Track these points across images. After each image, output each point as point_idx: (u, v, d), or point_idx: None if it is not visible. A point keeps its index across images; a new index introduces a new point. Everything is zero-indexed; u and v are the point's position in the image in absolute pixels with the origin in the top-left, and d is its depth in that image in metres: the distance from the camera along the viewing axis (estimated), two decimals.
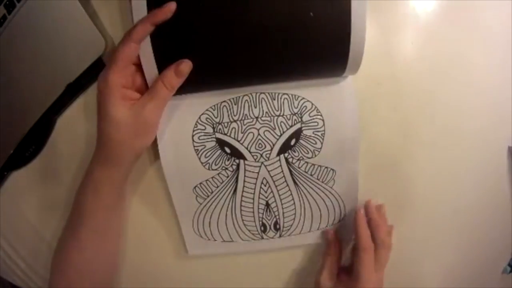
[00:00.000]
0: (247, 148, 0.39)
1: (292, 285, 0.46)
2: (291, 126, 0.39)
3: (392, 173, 0.43)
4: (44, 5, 0.38)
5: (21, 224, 0.45)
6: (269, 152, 0.39)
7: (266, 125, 0.39)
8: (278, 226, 0.42)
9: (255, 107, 0.38)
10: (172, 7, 0.32)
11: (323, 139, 0.39)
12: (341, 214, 0.42)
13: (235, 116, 0.39)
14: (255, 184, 0.40)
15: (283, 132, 0.39)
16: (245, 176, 0.40)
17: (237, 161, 0.39)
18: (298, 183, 0.41)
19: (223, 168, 0.40)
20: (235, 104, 0.38)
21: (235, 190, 0.41)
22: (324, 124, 0.38)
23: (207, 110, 0.39)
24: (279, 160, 0.39)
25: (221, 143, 0.39)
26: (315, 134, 0.39)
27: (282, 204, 0.41)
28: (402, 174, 0.43)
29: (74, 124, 0.42)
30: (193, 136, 0.39)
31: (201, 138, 0.39)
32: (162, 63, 0.34)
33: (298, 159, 0.39)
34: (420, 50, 0.42)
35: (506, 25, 0.42)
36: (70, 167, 0.43)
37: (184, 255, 0.44)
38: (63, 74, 0.40)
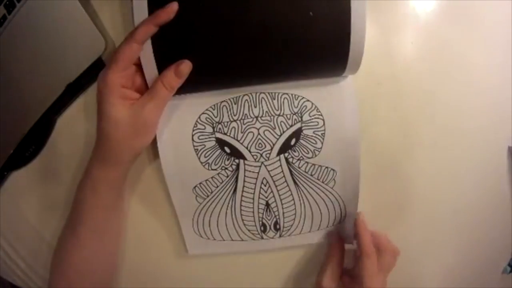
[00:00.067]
0: (247, 148, 0.39)
1: (292, 285, 0.46)
2: (291, 126, 0.39)
3: (392, 173, 0.43)
4: (44, 5, 0.38)
5: (21, 224, 0.45)
6: (269, 152, 0.39)
7: (266, 124, 0.39)
8: (278, 226, 0.42)
9: (255, 107, 0.38)
10: (174, 7, 0.32)
11: (323, 139, 0.39)
12: (341, 215, 0.42)
13: (235, 115, 0.39)
14: (255, 184, 0.40)
15: (283, 132, 0.39)
16: (245, 176, 0.40)
17: (237, 161, 0.39)
18: (298, 183, 0.40)
19: (223, 168, 0.40)
20: (235, 104, 0.39)
21: (235, 190, 0.41)
22: (324, 124, 0.38)
23: (207, 109, 0.39)
24: (279, 160, 0.39)
25: (221, 143, 0.39)
26: (315, 134, 0.39)
27: (282, 204, 0.41)
28: (402, 174, 0.43)
29: (74, 124, 0.42)
30: (192, 135, 0.39)
31: (200, 137, 0.39)
32: (162, 64, 0.34)
33: (298, 159, 0.39)
34: (420, 50, 0.42)
35: (506, 25, 0.42)
36: (70, 167, 0.43)
37: (184, 254, 0.44)
38: (63, 74, 0.40)
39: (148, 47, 0.34)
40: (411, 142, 0.43)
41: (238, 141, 0.39)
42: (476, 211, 0.45)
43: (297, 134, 0.39)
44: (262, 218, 0.42)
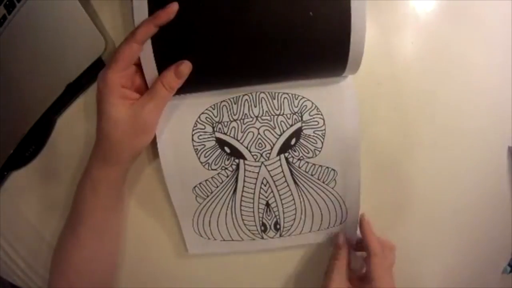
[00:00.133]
0: (247, 148, 0.39)
1: (292, 285, 0.46)
2: (291, 125, 0.39)
3: (392, 173, 0.43)
4: (44, 5, 0.38)
5: (21, 224, 0.45)
6: (269, 151, 0.39)
7: (266, 124, 0.39)
8: (278, 226, 0.42)
9: (255, 107, 0.38)
10: (174, 7, 0.32)
11: (323, 138, 0.39)
12: (342, 216, 0.42)
13: (235, 115, 0.39)
14: (255, 184, 0.40)
15: (283, 132, 0.39)
16: (245, 176, 0.40)
17: (236, 160, 0.39)
18: (299, 183, 0.40)
19: (223, 168, 0.40)
20: (235, 104, 0.38)
21: (235, 190, 0.41)
22: (324, 123, 0.38)
23: (206, 109, 0.39)
24: (279, 159, 0.39)
25: (221, 143, 0.39)
26: (316, 134, 0.39)
27: (282, 204, 0.41)
28: (402, 174, 0.43)
29: (74, 124, 0.42)
30: (192, 135, 0.39)
31: (200, 137, 0.39)
32: (162, 64, 0.34)
33: (298, 159, 0.39)
34: (420, 50, 0.42)
35: (506, 25, 0.42)
36: (70, 167, 0.43)
37: (184, 254, 0.44)
38: (63, 74, 0.40)
39: (148, 47, 0.34)
40: (411, 142, 0.43)
41: (238, 141, 0.39)
42: (476, 211, 0.45)
43: (297, 133, 0.39)
44: (262, 218, 0.42)
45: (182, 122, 0.39)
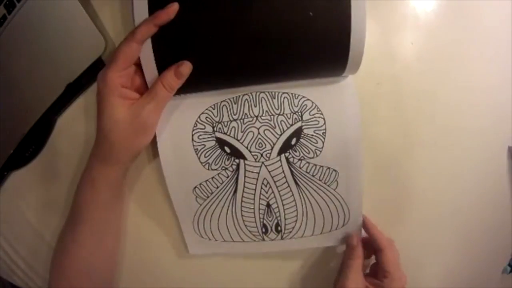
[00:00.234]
0: (247, 148, 0.39)
1: (293, 286, 0.46)
2: (291, 125, 0.38)
3: (392, 173, 0.43)
4: (44, 5, 0.38)
5: (21, 224, 0.45)
6: (269, 151, 0.39)
7: (266, 124, 0.39)
8: (279, 228, 0.42)
9: (255, 106, 0.38)
10: (174, 7, 0.32)
11: (324, 138, 0.39)
12: (345, 218, 0.41)
13: (235, 115, 0.39)
14: (256, 184, 0.40)
15: (284, 131, 0.39)
16: (245, 176, 0.40)
17: (237, 160, 0.39)
18: (300, 184, 0.40)
19: (223, 168, 0.40)
20: (235, 103, 0.38)
21: (235, 191, 0.41)
22: (325, 123, 0.38)
23: (206, 109, 0.39)
24: (280, 160, 0.39)
25: (221, 143, 0.39)
26: (316, 133, 0.39)
27: (283, 206, 0.41)
28: (402, 174, 0.43)
29: (74, 124, 0.42)
30: (192, 135, 0.39)
31: (200, 137, 0.39)
32: (162, 64, 0.34)
33: (299, 159, 0.39)
34: (420, 50, 0.42)
35: (506, 25, 0.42)
36: (70, 167, 0.43)
37: (185, 254, 0.44)
38: (63, 74, 0.40)
39: (148, 47, 0.34)
40: (411, 142, 0.43)
41: (238, 140, 0.39)
42: (476, 211, 0.45)
43: (297, 133, 0.39)
44: (263, 219, 0.42)
45: (182, 122, 0.39)
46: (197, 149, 0.39)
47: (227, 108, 0.39)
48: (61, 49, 0.39)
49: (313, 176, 0.40)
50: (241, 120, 0.39)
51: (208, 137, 0.39)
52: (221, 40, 0.34)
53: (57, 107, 0.41)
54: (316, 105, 0.38)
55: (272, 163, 0.39)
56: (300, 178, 0.40)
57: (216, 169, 0.40)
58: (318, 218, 0.41)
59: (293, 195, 0.41)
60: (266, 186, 0.40)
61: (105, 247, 0.41)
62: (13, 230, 0.46)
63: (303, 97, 0.38)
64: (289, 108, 0.38)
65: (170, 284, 0.46)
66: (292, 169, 0.40)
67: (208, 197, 0.41)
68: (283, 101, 0.38)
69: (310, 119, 0.38)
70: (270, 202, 0.41)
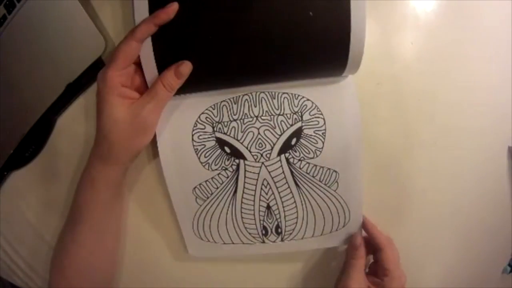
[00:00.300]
0: (247, 148, 0.39)
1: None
2: (291, 125, 0.38)
3: (392, 173, 0.43)
4: (44, 5, 0.38)
5: (21, 224, 0.45)
6: (269, 151, 0.39)
7: (266, 124, 0.38)
8: (279, 230, 0.42)
9: (255, 106, 0.38)
10: (174, 7, 0.32)
11: (324, 138, 0.39)
12: (345, 219, 0.41)
13: (235, 115, 0.39)
14: (256, 185, 0.40)
15: (284, 131, 0.39)
16: (245, 176, 0.40)
17: (237, 161, 0.39)
18: (300, 184, 0.40)
19: (223, 168, 0.40)
20: (235, 103, 0.38)
21: (235, 191, 0.41)
22: (325, 123, 0.38)
23: (206, 109, 0.39)
24: (280, 160, 0.39)
25: (221, 143, 0.39)
26: (316, 133, 0.39)
27: (283, 207, 0.41)
28: (402, 174, 0.43)
29: (74, 124, 0.42)
30: (192, 135, 0.39)
31: (200, 137, 0.39)
32: (162, 63, 0.34)
33: (299, 159, 0.39)
34: (420, 50, 0.42)
35: (506, 25, 0.42)
36: (70, 167, 0.43)
37: (184, 255, 0.44)
38: (63, 74, 0.40)
39: (148, 47, 0.34)
40: (411, 142, 0.43)
41: (238, 140, 0.39)
42: (476, 211, 0.45)
43: (297, 133, 0.39)
44: (263, 221, 0.41)
45: (182, 122, 0.39)
46: (197, 149, 0.39)
47: (227, 108, 0.39)
48: (61, 49, 0.39)
49: (313, 177, 0.40)
50: (241, 120, 0.39)
51: (208, 137, 0.39)
52: (221, 40, 0.34)
53: (57, 107, 0.41)
54: (316, 105, 0.38)
55: (272, 164, 0.39)
56: (300, 179, 0.40)
57: (216, 169, 0.40)
58: (319, 219, 0.41)
59: (293, 196, 0.41)
60: (266, 187, 0.40)
61: (105, 247, 0.41)
62: (13, 230, 0.46)
63: (303, 97, 0.38)
64: (289, 108, 0.38)
65: (170, 284, 0.46)
66: (292, 169, 0.40)
67: (208, 197, 0.41)
68: (283, 101, 0.38)
69: (310, 119, 0.38)
70: (270, 204, 0.41)
